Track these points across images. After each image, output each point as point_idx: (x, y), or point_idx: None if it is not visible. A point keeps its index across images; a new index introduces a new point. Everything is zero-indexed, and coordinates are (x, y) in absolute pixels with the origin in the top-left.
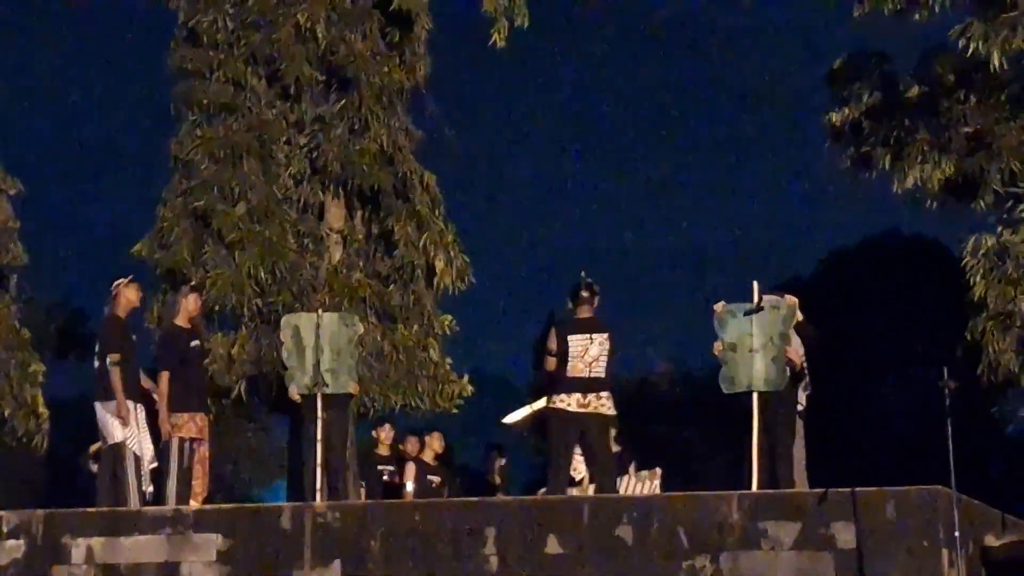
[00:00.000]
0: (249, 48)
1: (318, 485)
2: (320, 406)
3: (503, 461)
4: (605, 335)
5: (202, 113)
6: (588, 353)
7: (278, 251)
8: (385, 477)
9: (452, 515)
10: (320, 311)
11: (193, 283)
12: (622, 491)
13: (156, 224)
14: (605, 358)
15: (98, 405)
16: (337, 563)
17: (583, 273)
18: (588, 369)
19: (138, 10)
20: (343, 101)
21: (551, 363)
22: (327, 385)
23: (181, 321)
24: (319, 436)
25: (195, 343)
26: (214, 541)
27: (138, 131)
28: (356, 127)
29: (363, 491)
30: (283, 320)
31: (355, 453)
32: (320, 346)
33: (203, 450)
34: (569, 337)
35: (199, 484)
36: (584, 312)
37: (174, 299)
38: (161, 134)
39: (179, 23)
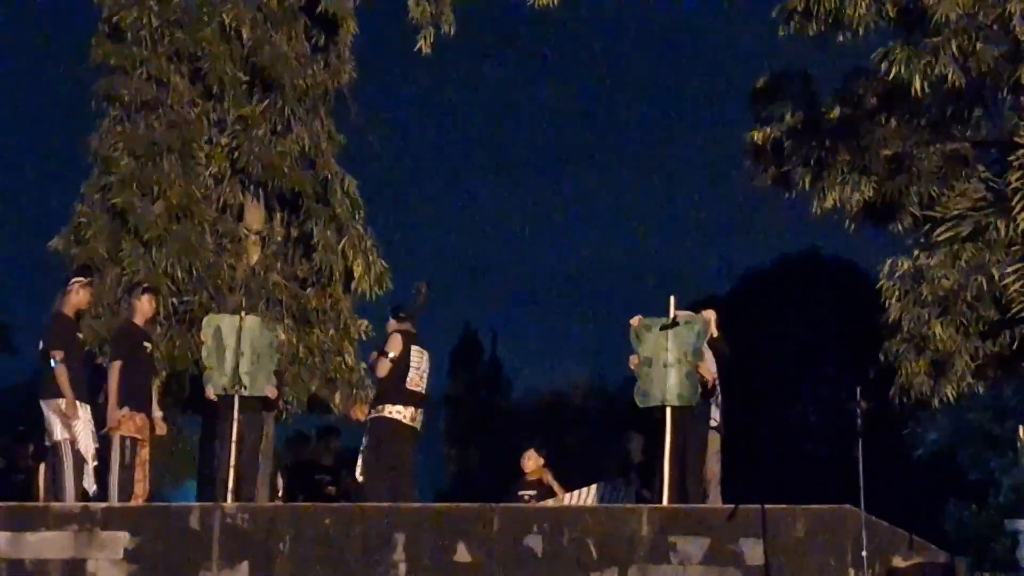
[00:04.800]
0: (173, 45)
1: (229, 486)
2: (236, 407)
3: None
4: (427, 353)
5: (123, 109)
6: (421, 366)
7: (196, 250)
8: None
9: (362, 520)
10: (243, 314)
11: (147, 284)
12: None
13: (73, 220)
14: (427, 374)
15: (42, 403)
16: (245, 565)
17: (417, 285)
18: (422, 383)
19: (60, 3)
20: (266, 102)
21: (385, 367)
22: (245, 387)
23: (138, 321)
24: (233, 438)
25: (147, 345)
26: (121, 539)
27: (56, 126)
28: (278, 129)
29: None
30: (205, 320)
31: (272, 456)
32: (240, 348)
33: (144, 452)
34: (413, 348)
35: (140, 487)
36: (412, 326)
37: (128, 300)
38: (81, 129)
39: (102, 18)
